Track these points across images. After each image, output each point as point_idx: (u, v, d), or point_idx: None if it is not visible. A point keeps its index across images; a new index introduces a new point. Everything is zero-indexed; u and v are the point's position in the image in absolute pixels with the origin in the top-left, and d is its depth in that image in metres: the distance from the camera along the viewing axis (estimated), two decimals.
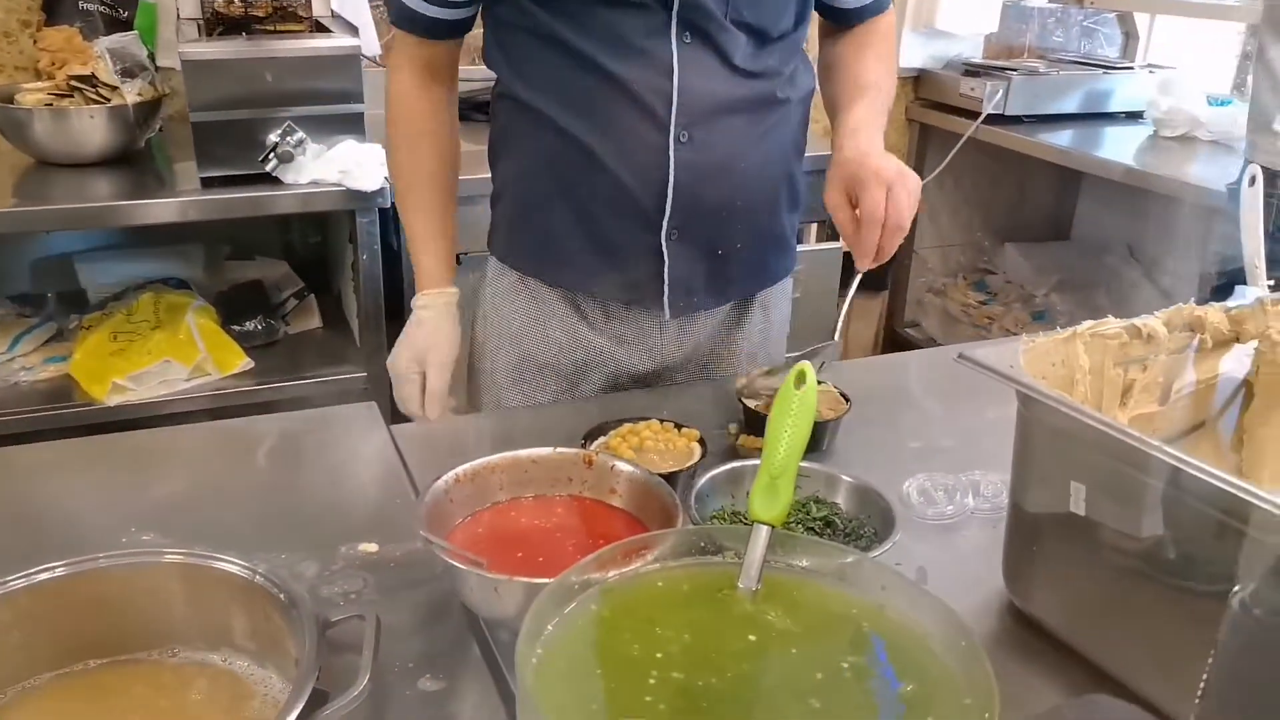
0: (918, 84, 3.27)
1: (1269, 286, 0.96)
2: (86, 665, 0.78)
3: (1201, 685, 0.48)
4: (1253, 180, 0.97)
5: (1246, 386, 0.96)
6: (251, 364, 2.09)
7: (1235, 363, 0.96)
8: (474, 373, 1.37)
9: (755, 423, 1.12)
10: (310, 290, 2.36)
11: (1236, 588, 0.46)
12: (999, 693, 0.57)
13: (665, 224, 1.19)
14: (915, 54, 3.18)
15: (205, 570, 0.80)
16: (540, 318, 1.29)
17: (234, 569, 0.79)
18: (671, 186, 1.17)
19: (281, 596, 0.77)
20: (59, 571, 0.78)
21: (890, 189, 1.05)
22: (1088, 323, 0.88)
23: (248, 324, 2.19)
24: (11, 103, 2.02)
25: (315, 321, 2.33)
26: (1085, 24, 3.43)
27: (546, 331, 1.29)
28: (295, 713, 0.67)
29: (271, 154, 1.93)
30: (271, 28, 2.07)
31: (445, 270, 1.31)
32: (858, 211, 1.08)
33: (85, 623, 0.78)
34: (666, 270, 1.22)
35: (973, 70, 3.10)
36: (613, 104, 1.14)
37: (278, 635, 0.77)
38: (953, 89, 3.10)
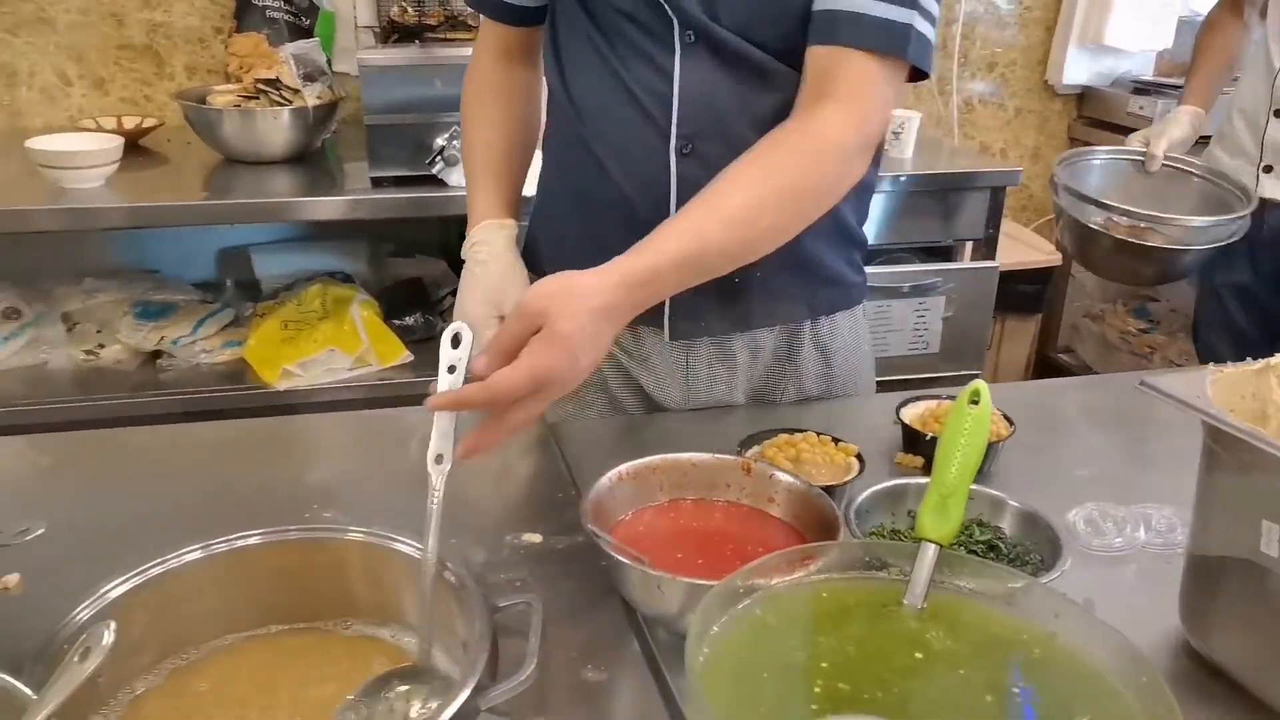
0: (1081, 102, 3.15)
1: None
2: (269, 630, 0.84)
3: None
4: None
5: None
6: (411, 357, 2.18)
7: None
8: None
9: (913, 441, 1.11)
10: None
11: None
12: None
13: None
14: (1081, 70, 3.07)
15: (383, 549, 0.84)
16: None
17: (409, 550, 0.83)
18: (674, 201, 1.09)
19: (453, 579, 0.80)
20: (253, 540, 0.83)
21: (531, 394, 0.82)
22: None
23: (407, 319, 2.28)
24: (204, 104, 2.16)
25: None
26: None
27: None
28: (467, 692, 0.69)
29: (438, 157, 2.01)
30: (443, 36, 2.16)
31: (503, 205, 1.18)
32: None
33: (272, 590, 0.84)
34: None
35: (1142, 88, 2.97)
36: (616, 107, 1.10)
37: (446, 616, 0.80)
38: (1120, 107, 2.98)
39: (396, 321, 2.27)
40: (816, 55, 1.00)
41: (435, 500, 0.79)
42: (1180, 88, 2.86)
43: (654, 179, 1.10)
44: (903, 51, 0.98)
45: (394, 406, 1.31)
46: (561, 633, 0.81)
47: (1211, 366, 0.82)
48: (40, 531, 0.93)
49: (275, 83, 2.20)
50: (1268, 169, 2.01)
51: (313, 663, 0.81)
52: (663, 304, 1.13)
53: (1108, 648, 0.64)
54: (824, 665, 0.64)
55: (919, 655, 0.65)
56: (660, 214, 1.07)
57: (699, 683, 0.60)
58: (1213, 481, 0.79)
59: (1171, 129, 2.07)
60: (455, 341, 0.84)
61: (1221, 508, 0.78)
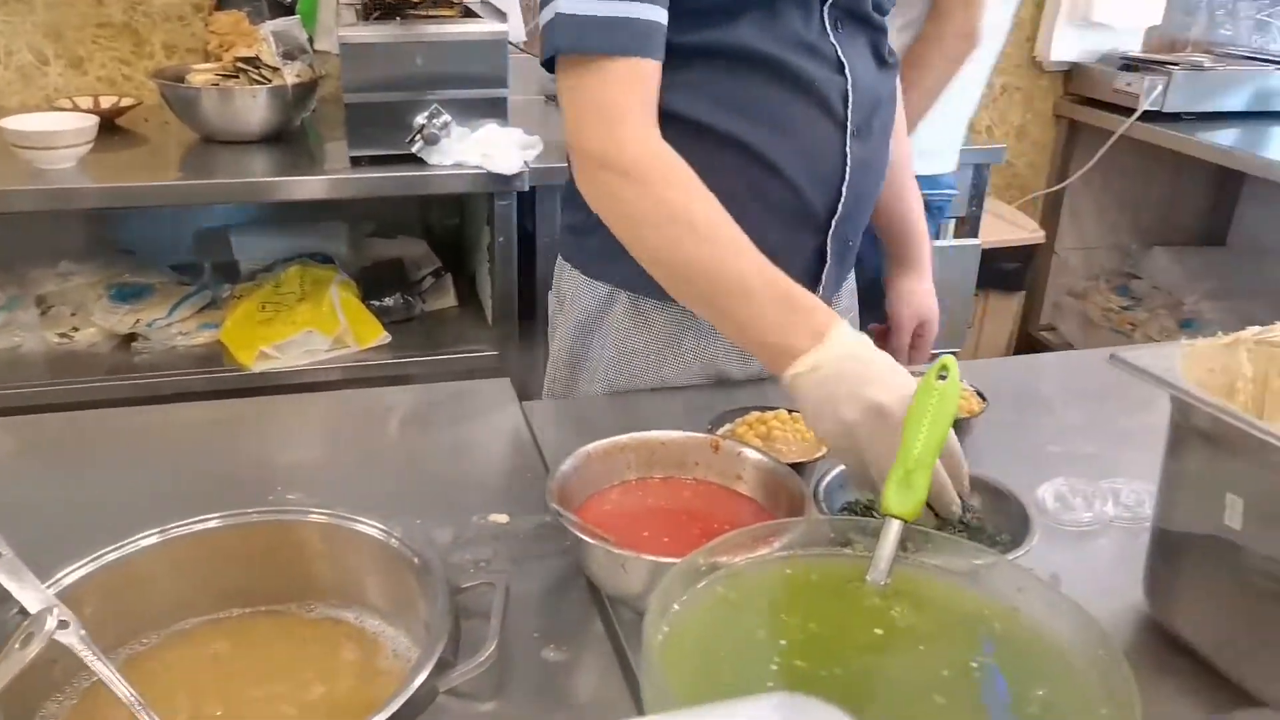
0: (1068, 79, 3.14)
1: None
2: (230, 613, 0.83)
3: None
4: None
5: None
6: (389, 338, 2.16)
7: None
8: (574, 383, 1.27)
9: None
10: (447, 270, 2.42)
11: None
12: (1140, 705, 0.55)
13: (834, 224, 1.16)
14: (1069, 47, 3.06)
15: (346, 531, 0.83)
16: (669, 341, 1.20)
17: (373, 531, 0.83)
18: (846, 184, 1.14)
19: (416, 560, 0.80)
20: (213, 523, 0.82)
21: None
22: (1253, 329, 0.83)
23: (386, 300, 2.26)
24: (181, 83, 2.13)
25: (450, 300, 2.39)
26: (1259, 17, 3.23)
27: (677, 354, 1.21)
28: (424, 673, 0.69)
29: (418, 135, 1.99)
30: (424, 13, 2.13)
31: None
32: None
33: (233, 573, 0.83)
34: (826, 270, 1.20)
35: (1130, 64, 2.95)
36: (795, 106, 1.08)
37: (410, 597, 0.80)
38: (1107, 84, 2.97)
39: (376, 302, 2.25)
40: None
41: None
42: (1172, 64, 2.86)
43: (830, 165, 1.13)
44: None
45: (372, 387, 1.30)
46: (525, 613, 0.81)
47: (1183, 341, 0.81)
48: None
49: (255, 61, 2.17)
50: None
51: (275, 646, 0.81)
52: (817, 286, 1.19)
53: (1068, 622, 0.64)
54: (783, 643, 0.63)
55: (879, 632, 0.65)
56: (832, 200, 1.14)
57: (657, 660, 0.60)
58: (1179, 455, 0.79)
59: None
60: None
61: (1187, 481, 0.78)
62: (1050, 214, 3.24)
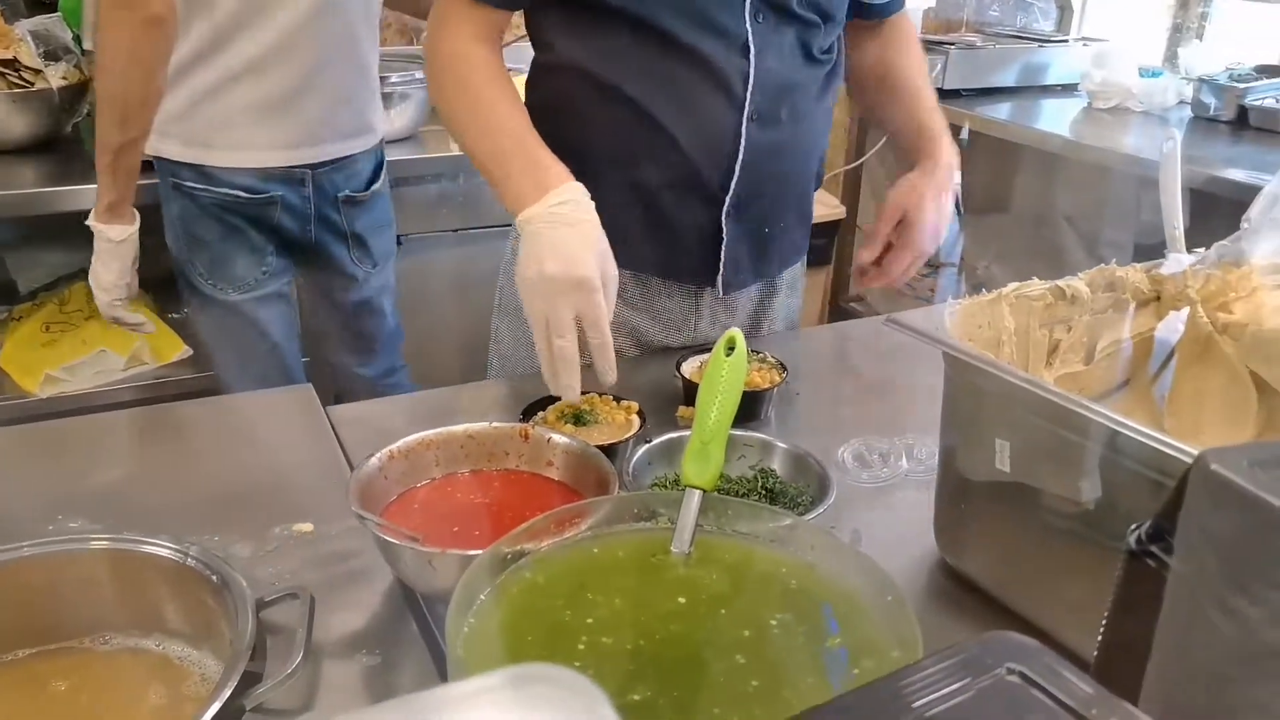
0: None
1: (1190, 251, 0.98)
2: (16, 655, 0.77)
3: (1103, 623, 0.50)
4: (1170, 149, 0.99)
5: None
6: (190, 351, 2.05)
7: (1171, 327, 0.98)
8: (494, 344, 1.35)
9: (693, 393, 1.13)
10: None
11: (1131, 528, 0.47)
12: (924, 643, 0.59)
13: (727, 201, 1.19)
14: None
15: (134, 555, 0.79)
16: None
17: (164, 552, 0.78)
18: (740, 164, 1.17)
19: (214, 578, 0.76)
20: None
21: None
22: (1013, 285, 0.89)
23: (185, 311, 2.14)
24: None
25: None
26: None
27: None
28: (227, 692, 0.66)
29: None
30: None
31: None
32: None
33: (12, 612, 0.77)
34: (724, 248, 1.22)
35: None
36: (689, 80, 1.13)
37: (211, 617, 0.76)
38: None
39: (175, 315, 2.13)
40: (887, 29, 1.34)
41: None
42: (949, 43, 3.03)
43: (724, 143, 1.17)
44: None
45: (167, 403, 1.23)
46: (336, 621, 0.79)
47: (950, 300, 0.87)
48: None
49: (13, 64, 2.01)
50: None
51: (69, 685, 0.76)
52: (718, 263, 1.24)
53: (859, 572, 0.67)
54: (589, 621, 0.64)
55: (682, 600, 0.67)
56: (725, 178, 1.18)
57: (461, 655, 0.59)
58: (953, 406, 0.84)
59: None
60: None
61: (962, 431, 0.84)
62: (850, 190, 3.39)
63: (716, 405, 0.75)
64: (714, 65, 1.12)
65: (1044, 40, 3.25)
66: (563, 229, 1.00)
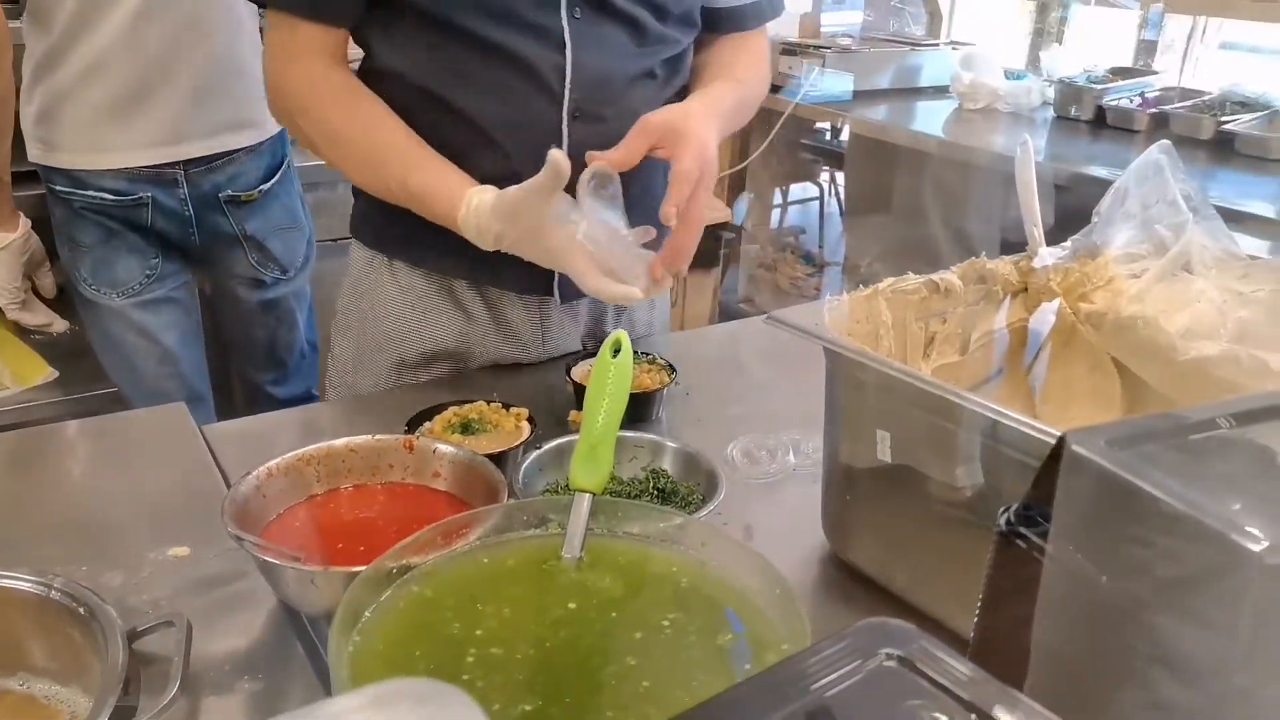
0: None
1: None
2: None
3: (978, 606, 0.51)
4: (1024, 153, 1.02)
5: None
6: (55, 374, 1.95)
7: (1043, 318, 1.01)
8: (332, 361, 1.31)
9: (584, 398, 1.12)
10: None
11: (1000, 510, 0.49)
12: (815, 635, 0.59)
13: None
14: None
15: None
16: (417, 307, 1.23)
17: (25, 585, 0.74)
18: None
19: (80, 609, 0.73)
20: None
21: (703, 177, 1.03)
22: (889, 280, 0.91)
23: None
24: None
25: None
26: (893, 4, 3.59)
27: (424, 321, 1.23)
28: None
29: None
30: None
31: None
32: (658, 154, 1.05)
33: None
34: None
35: (790, 49, 3.18)
36: (505, 79, 1.11)
37: (79, 651, 0.72)
38: (770, 67, 3.18)
39: (38, 335, 2.02)
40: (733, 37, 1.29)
41: None
42: (825, 48, 3.11)
43: (544, 142, 1.07)
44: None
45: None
46: (216, 648, 0.75)
47: (829, 296, 0.88)
48: None
49: None
50: None
51: None
52: (552, 275, 1.20)
53: (749, 567, 0.67)
54: (478, 633, 0.62)
55: (573, 605, 0.66)
56: None
57: (345, 675, 0.57)
58: (834, 400, 0.86)
59: None
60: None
61: (844, 423, 0.85)
62: (735, 193, 3.44)
63: (604, 408, 0.75)
64: (528, 62, 1.10)
65: (916, 44, 3.36)
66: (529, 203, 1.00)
